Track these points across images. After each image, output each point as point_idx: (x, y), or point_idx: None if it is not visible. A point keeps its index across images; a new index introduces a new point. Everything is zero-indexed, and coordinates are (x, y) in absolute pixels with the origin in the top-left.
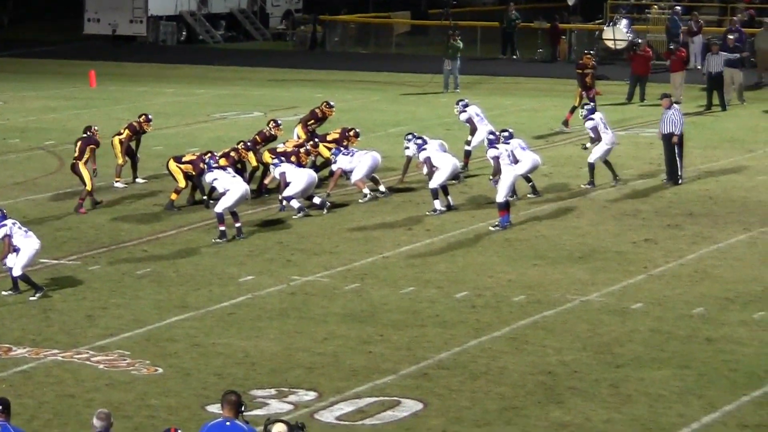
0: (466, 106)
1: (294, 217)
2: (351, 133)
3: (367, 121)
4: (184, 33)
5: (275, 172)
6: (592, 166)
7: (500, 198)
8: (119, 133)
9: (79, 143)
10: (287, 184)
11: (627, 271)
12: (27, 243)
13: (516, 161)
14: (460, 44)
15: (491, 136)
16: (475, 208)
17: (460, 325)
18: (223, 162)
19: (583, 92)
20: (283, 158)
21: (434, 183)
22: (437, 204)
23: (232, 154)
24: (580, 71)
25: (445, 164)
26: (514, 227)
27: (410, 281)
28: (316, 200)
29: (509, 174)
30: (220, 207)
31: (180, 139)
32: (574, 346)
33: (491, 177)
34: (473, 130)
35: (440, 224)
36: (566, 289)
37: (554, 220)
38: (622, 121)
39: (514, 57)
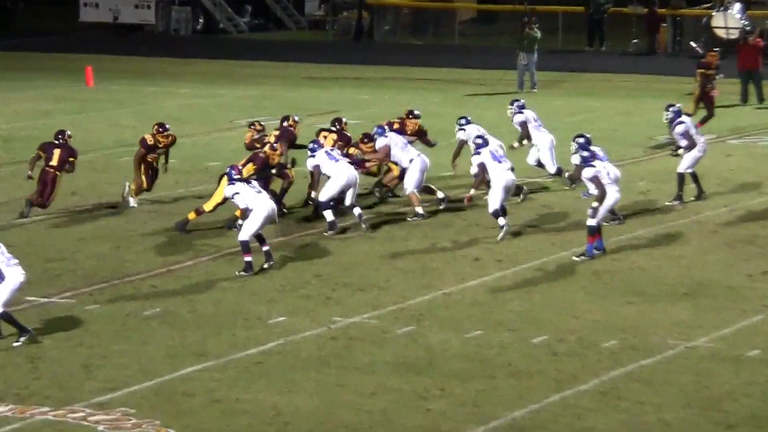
0: (523, 107)
1: (325, 234)
2: (408, 115)
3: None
4: (201, 20)
5: (309, 164)
6: (681, 177)
7: (593, 221)
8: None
9: (58, 151)
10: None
11: (742, 310)
12: (10, 273)
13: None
14: (538, 34)
15: (585, 153)
16: (555, 233)
17: (537, 375)
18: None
19: (704, 96)
20: (320, 145)
21: (492, 205)
22: (502, 221)
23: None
24: (702, 71)
25: (498, 178)
26: (604, 256)
27: (477, 323)
28: (356, 211)
29: (612, 196)
30: (244, 233)
31: (197, 150)
32: (678, 402)
33: (584, 192)
34: (523, 137)
35: (513, 253)
36: (667, 333)
37: (653, 248)
38: (738, 129)
39: (603, 49)
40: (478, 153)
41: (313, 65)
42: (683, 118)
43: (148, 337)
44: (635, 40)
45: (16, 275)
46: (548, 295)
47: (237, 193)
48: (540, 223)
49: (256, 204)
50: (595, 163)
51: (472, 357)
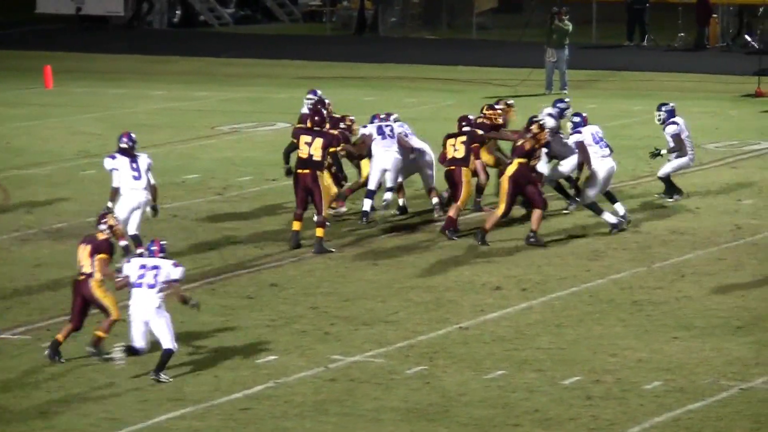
0: (397, 121)
1: (376, 221)
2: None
3: (437, 134)
4: (178, 12)
5: (361, 131)
6: (666, 181)
7: None
8: None
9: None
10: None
11: None
12: None
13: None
14: (569, 26)
15: None
16: (590, 258)
17: (569, 423)
18: None
19: None
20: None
21: (588, 198)
22: (609, 216)
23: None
24: None
25: (597, 165)
26: (646, 284)
27: (499, 362)
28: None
29: None
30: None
31: (172, 162)
32: None
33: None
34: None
35: (540, 281)
36: (720, 373)
37: (702, 275)
38: None
39: (645, 44)
40: (578, 132)
41: (309, 63)
42: (677, 119)
43: (116, 379)
44: (682, 34)
45: None
46: (581, 330)
47: (114, 170)
48: (571, 247)
49: (126, 190)
50: None
51: (493, 402)
